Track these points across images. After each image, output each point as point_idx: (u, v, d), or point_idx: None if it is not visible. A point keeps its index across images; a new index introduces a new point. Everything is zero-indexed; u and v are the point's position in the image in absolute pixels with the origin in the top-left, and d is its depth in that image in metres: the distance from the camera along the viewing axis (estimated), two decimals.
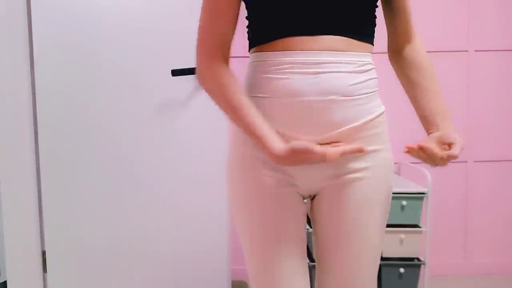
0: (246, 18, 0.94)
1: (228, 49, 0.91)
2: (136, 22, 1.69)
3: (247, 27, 0.94)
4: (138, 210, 1.74)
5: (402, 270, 2.11)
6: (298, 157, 0.79)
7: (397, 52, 1.00)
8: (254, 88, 0.89)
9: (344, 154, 0.79)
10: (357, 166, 0.86)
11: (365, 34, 0.87)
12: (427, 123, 0.90)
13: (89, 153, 1.73)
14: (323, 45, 0.82)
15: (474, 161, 2.52)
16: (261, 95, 0.87)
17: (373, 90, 0.87)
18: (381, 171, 0.87)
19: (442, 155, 0.79)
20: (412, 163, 2.46)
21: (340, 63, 0.82)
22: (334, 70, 0.81)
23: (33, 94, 1.73)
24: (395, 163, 2.52)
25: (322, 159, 0.78)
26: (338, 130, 0.82)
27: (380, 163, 0.87)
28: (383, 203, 0.89)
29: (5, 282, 1.79)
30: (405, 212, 2.10)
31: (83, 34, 1.69)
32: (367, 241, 0.88)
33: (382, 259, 2.15)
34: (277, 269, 0.86)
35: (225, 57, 0.90)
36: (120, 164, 1.72)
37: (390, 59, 1.02)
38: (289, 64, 0.82)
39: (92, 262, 1.77)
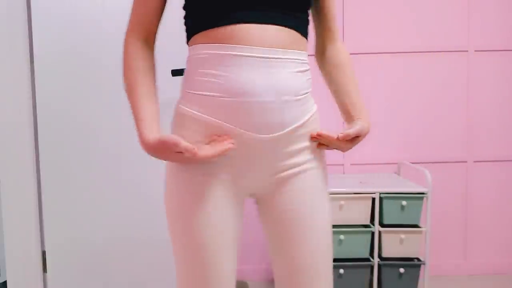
0: (184, 8, 0.92)
1: (152, 34, 0.94)
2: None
3: (185, 17, 0.92)
4: (138, 210, 1.74)
5: (402, 270, 2.11)
6: (167, 149, 0.80)
7: (321, 53, 1.05)
8: (201, 86, 0.86)
9: (215, 156, 0.82)
10: (300, 160, 0.90)
11: (305, 30, 0.91)
12: (345, 115, 0.99)
13: (89, 153, 1.73)
14: (272, 39, 0.83)
15: (474, 161, 2.52)
16: (210, 93, 0.84)
17: (310, 89, 0.92)
18: (320, 162, 0.93)
19: (337, 136, 0.89)
20: (412, 163, 2.46)
21: (288, 61, 0.85)
22: (286, 70, 0.84)
23: (33, 94, 1.73)
24: (395, 163, 2.52)
25: (193, 157, 0.80)
26: (288, 129, 0.86)
27: (318, 155, 0.93)
28: (326, 189, 0.95)
29: (5, 282, 1.79)
30: (405, 212, 2.10)
31: (83, 35, 1.69)
32: (321, 228, 0.91)
33: (382, 259, 2.15)
34: (216, 274, 0.87)
35: (147, 40, 0.92)
36: (120, 164, 1.72)
37: (316, 61, 1.07)
38: (240, 60, 0.82)
39: (92, 262, 1.77)
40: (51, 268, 1.77)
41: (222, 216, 0.87)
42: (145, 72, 0.89)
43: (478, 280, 2.47)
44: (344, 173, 2.52)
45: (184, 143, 0.78)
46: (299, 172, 0.90)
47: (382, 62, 2.50)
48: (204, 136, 0.86)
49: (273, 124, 0.84)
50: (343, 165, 2.52)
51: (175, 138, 0.79)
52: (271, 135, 0.84)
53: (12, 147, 1.73)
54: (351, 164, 2.52)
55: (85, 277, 1.78)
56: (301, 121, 0.88)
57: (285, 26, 0.85)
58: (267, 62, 0.82)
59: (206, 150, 0.81)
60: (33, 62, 1.71)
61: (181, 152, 0.79)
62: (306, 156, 0.90)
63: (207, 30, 0.85)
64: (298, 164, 0.90)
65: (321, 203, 0.91)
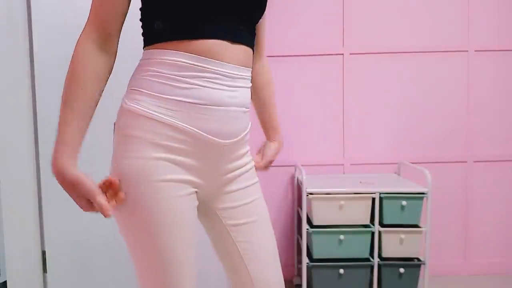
0: (143, 9, 0.94)
1: (113, 38, 0.94)
2: (137, 21, 1.68)
3: (150, 18, 0.93)
4: None
5: (402, 270, 2.11)
6: (76, 191, 0.86)
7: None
8: (170, 91, 0.88)
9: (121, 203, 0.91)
10: (245, 161, 1.03)
11: (253, 47, 1.00)
12: (266, 134, 1.23)
13: (89, 153, 1.73)
14: (239, 58, 0.92)
15: (474, 161, 2.53)
16: (182, 99, 0.88)
17: None
18: (252, 162, 1.08)
19: (264, 166, 1.19)
20: (412, 163, 2.46)
21: (245, 78, 0.95)
22: (244, 86, 0.95)
23: (33, 94, 1.73)
24: (395, 163, 2.52)
25: (99, 209, 0.87)
26: (241, 136, 0.97)
27: (251, 157, 1.08)
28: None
29: (5, 282, 1.79)
30: (405, 212, 2.10)
31: None
32: (266, 216, 1.05)
33: (382, 259, 2.15)
34: (185, 280, 0.91)
35: (106, 44, 0.93)
36: None
37: None
38: (214, 74, 0.89)
39: (92, 262, 1.77)
40: (51, 268, 1.77)
41: (191, 221, 0.92)
42: (86, 83, 0.90)
43: (478, 280, 2.47)
44: (344, 173, 2.53)
45: (99, 200, 0.85)
46: (246, 170, 1.03)
47: (382, 62, 2.50)
48: (165, 139, 0.88)
49: (232, 131, 0.94)
50: (343, 165, 2.53)
51: (93, 189, 0.85)
52: (229, 140, 0.94)
53: (12, 147, 1.73)
54: (351, 164, 2.53)
55: (85, 277, 1.78)
56: (247, 130, 1.01)
57: (247, 45, 0.95)
58: (234, 78, 0.92)
59: (112, 203, 0.89)
60: (33, 62, 1.71)
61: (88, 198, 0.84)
62: (246, 158, 1.03)
63: (186, 40, 0.88)
64: (241, 166, 1.01)
65: (261, 196, 1.05)
